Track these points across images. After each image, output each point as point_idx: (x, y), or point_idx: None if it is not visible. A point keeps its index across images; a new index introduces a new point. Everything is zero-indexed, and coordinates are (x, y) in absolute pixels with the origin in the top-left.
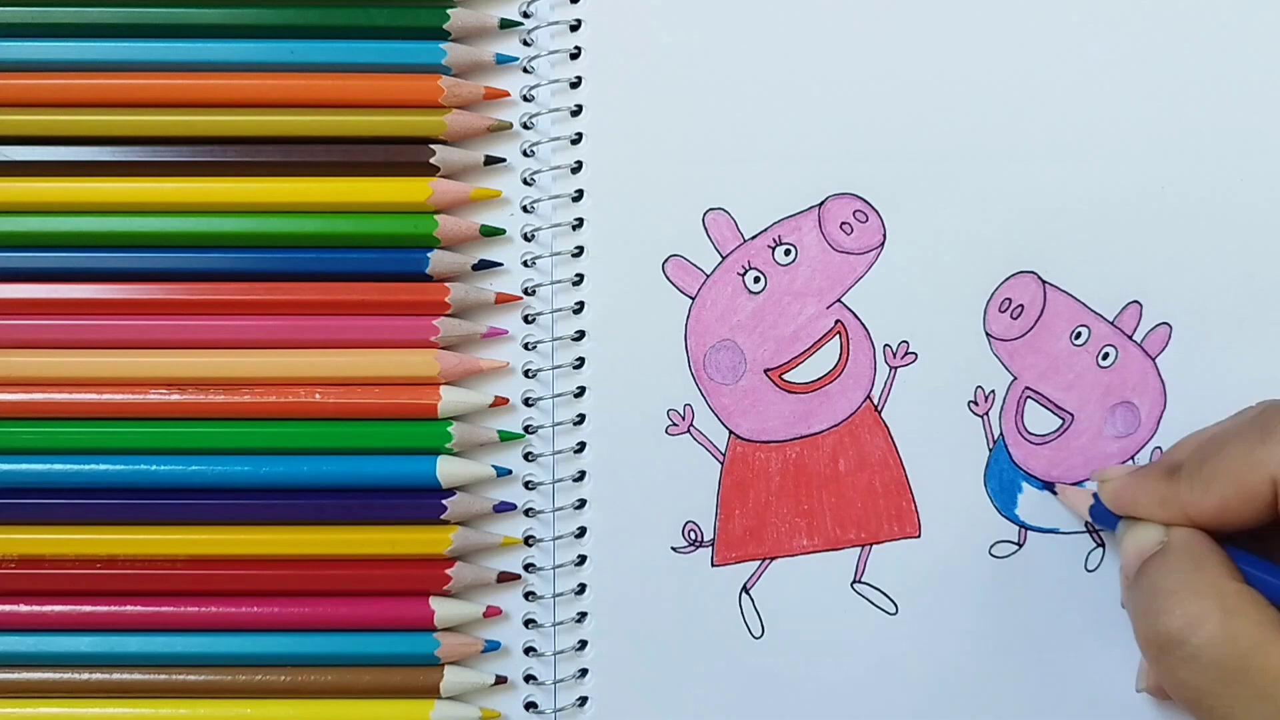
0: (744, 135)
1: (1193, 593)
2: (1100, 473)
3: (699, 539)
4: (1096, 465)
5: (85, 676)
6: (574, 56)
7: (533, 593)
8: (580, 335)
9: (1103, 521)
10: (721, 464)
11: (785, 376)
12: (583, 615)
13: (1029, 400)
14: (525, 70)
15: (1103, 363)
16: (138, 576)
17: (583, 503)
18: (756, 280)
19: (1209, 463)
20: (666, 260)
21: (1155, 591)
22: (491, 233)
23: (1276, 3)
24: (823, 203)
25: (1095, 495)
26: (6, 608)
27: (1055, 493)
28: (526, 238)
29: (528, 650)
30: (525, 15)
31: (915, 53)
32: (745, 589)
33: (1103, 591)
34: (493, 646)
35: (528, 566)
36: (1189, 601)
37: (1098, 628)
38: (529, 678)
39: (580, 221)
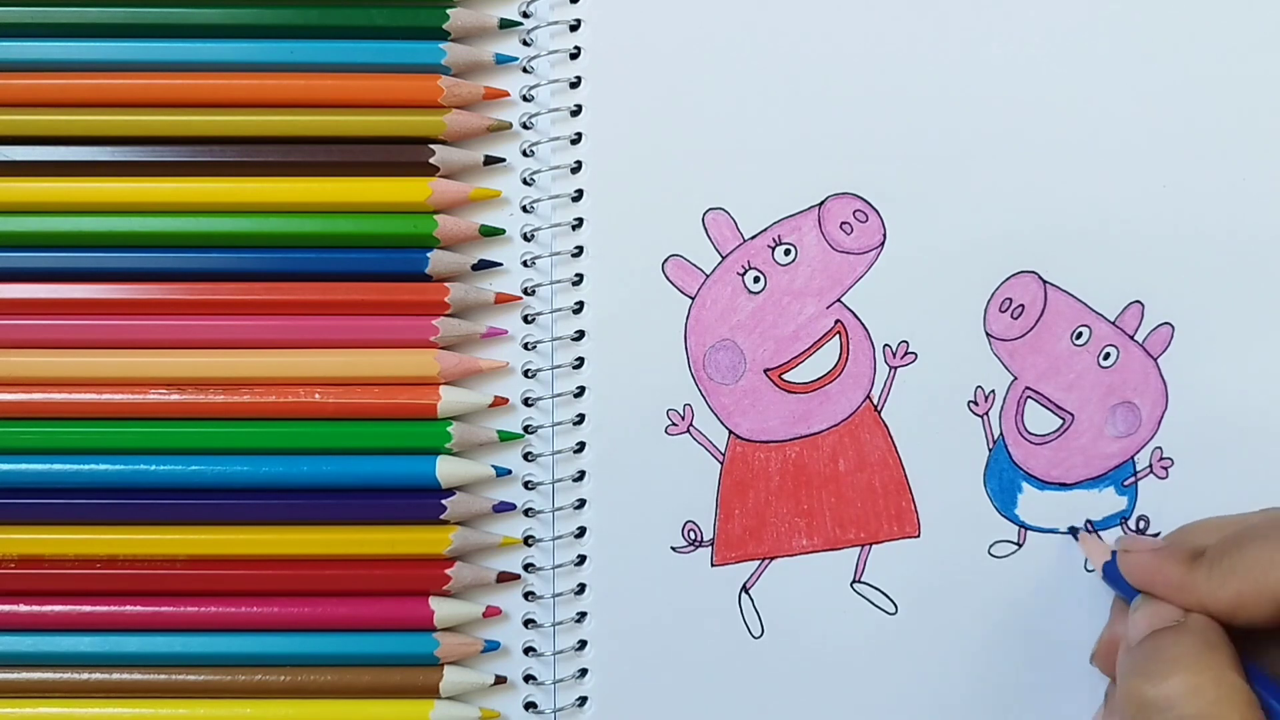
0: (744, 135)
1: (1197, 668)
2: (1126, 541)
3: (699, 539)
4: (1096, 465)
5: (85, 676)
6: (574, 56)
7: (532, 593)
8: (580, 335)
9: (1113, 581)
10: (721, 464)
11: (785, 376)
12: (582, 615)
13: (1029, 400)
14: (525, 70)
15: (1104, 363)
16: (138, 576)
17: (582, 503)
18: (756, 280)
19: (1230, 556)
20: (666, 260)
21: (1160, 656)
22: (491, 233)
23: (1277, 3)
24: (823, 203)
25: (1114, 555)
26: (6, 608)
27: (1076, 537)
28: (526, 238)
29: (527, 650)
30: (525, 15)
31: (915, 53)
32: (745, 589)
33: (1102, 592)
34: (492, 646)
35: (527, 566)
36: (1190, 674)
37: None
38: (529, 678)
39: (580, 221)
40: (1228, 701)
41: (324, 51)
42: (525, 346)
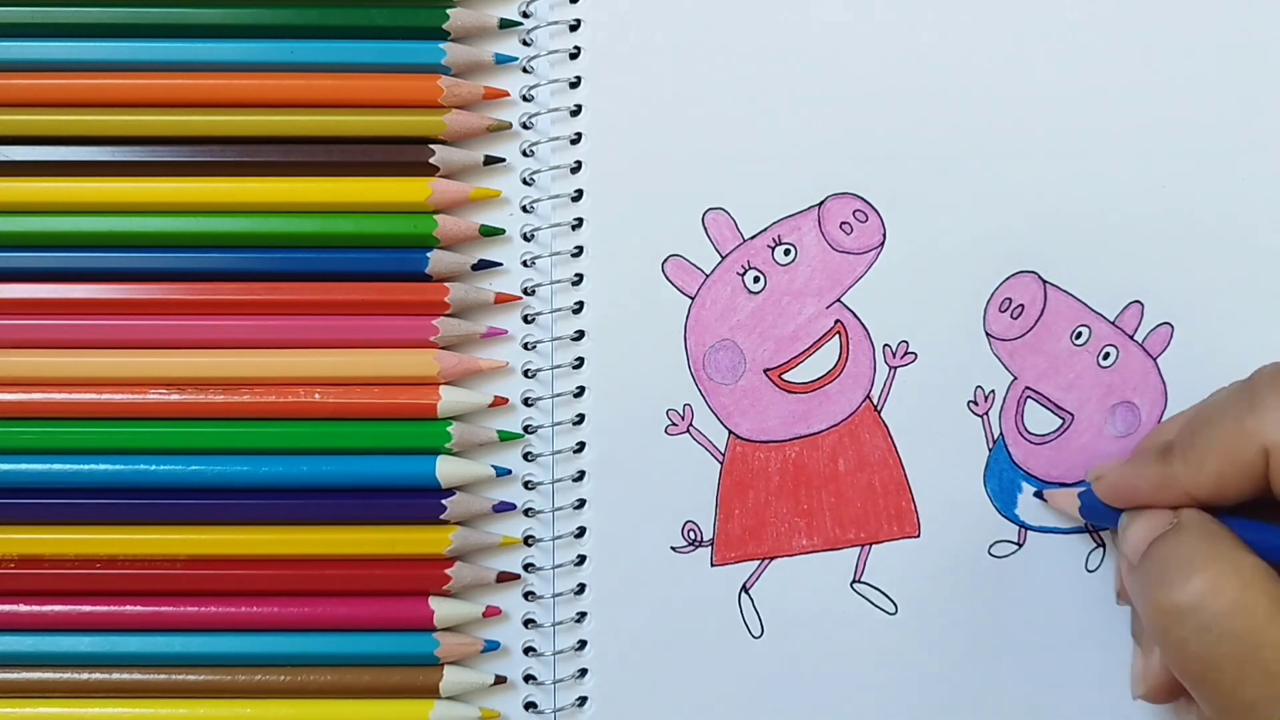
0: (744, 135)
1: (1210, 563)
2: (1094, 470)
3: (698, 539)
4: (1096, 465)
5: (85, 676)
6: (574, 56)
7: (532, 593)
8: (580, 335)
9: (1095, 518)
10: (721, 464)
11: (785, 376)
12: (582, 615)
13: (1029, 400)
14: (525, 70)
15: (1103, 362)
16: (138, 576)
17: (582, 503)
18: (756, 280)
19: (1200, 437)
20: (666, 260)
21: (1168, 564)
22: (491, 233)
23: (1276, 3)
24: (823, 202)
25: (1082, 494)
26: (6, 608)
27: (1045, 500)
28: (526, 238)
29: (527, 650)
30: (525, 15)
31: (915, 53)
32: (745, 589)
33: (1103, 591)
34: (492, 646)
35: (527, 566)
36: (1206, 570)
37: (1097, 628)
38: (528, 678)
39: (580, 221)
40: (1253, 585)
41: (324, 51)
42: (525, 346)
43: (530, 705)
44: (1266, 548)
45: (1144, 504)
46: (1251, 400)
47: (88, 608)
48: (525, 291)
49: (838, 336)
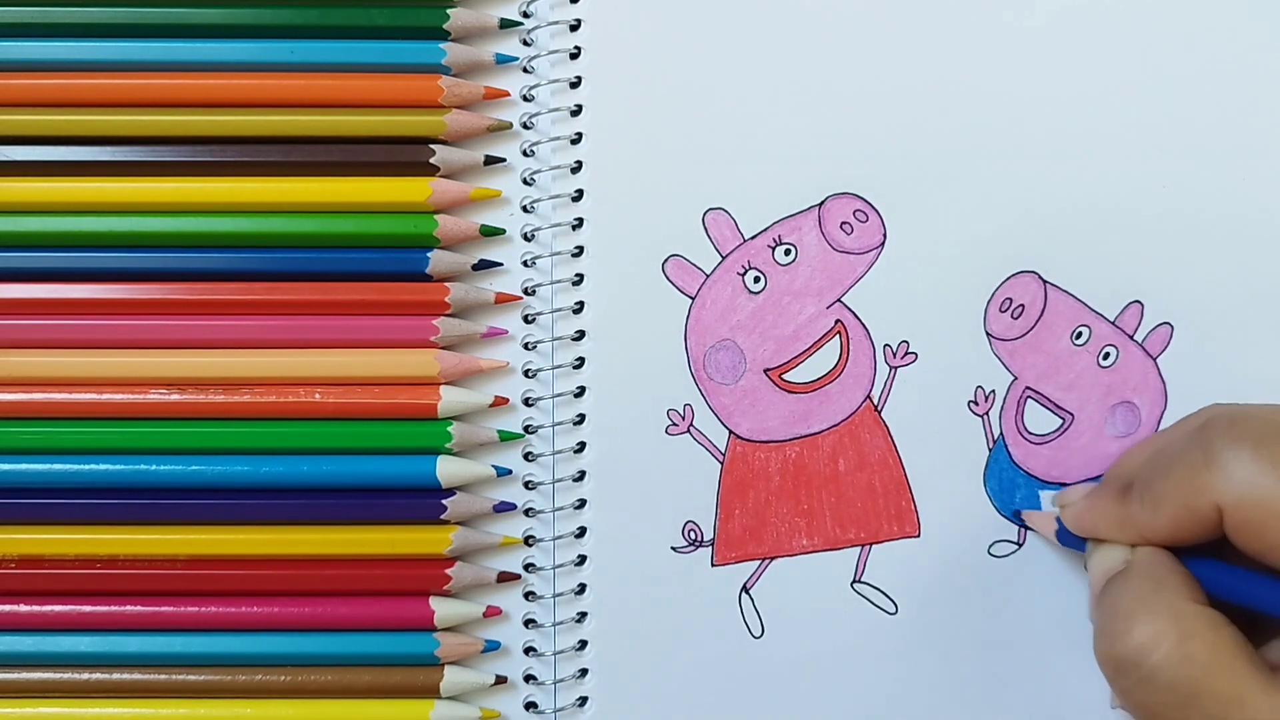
0: (744, 135)
1: (1150, 613)
2: (1061, 496)
3: (699, 539)
4: (1096, 465)
5: (85, 676)
6: (574, 56)
7: (533, 593)
8: (580, 335)
9: (1069, 544)
10: (721, 464)
11: (785, 376)
12: (583, 615)
13: (1029, 400)
14: (525, 70)
15: (1103, 362)
16: (138, 576)
17: (583, 503)
18: (756, 280)
19: (1157, 483)
20: (666, 260)
21: (1115, 612)
22: (491, 233)
23: (1277, 3)
24: (823, 203)
25: (1059, 519)
26: (6, 608)
27: (1024, 521)
28: (526, 238)
29: (528, 650)
30: (525, 15)
31: (915, 53)
32: (745, 589)
33: None
34: (493, 646)
35: (528, 566)
36: (1146, 623)
37: None
38: (529, 678)
39: (580, 221)
40: (1192, 635)
41: (324, 51)
42: (525, 346)
43: (530, 705)
44: (1223, 588)
45: (1104, 538)
46: (1206, 453)
47: (88, 608)
48: (525, 291)
49: (838, 336)
